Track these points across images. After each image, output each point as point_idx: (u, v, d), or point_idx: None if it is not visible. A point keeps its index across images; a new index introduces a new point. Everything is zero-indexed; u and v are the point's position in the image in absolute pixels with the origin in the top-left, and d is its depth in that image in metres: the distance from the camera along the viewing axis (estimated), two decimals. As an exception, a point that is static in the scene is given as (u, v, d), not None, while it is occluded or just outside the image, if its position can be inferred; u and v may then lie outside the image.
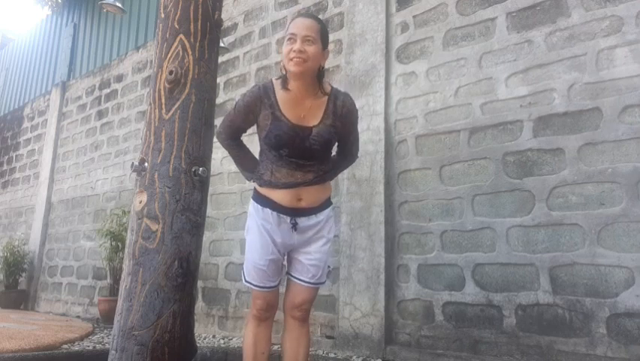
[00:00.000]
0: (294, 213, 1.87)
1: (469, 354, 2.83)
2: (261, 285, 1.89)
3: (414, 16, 3.54)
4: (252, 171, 2.00)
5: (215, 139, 2.21)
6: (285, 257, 1.96)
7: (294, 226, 1.87)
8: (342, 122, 1.92)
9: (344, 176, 3.57)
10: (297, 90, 1.86)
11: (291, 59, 1.79)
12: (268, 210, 1.87)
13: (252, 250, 1.88)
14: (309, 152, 1.86)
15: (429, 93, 3.34)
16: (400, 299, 3.22)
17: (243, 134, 2.10)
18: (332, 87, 1.95)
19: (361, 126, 3.52)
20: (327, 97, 1.89)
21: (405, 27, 3.58)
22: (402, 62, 3.54)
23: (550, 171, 2.76)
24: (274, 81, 1.91)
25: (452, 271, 3.02)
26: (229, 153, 2.11)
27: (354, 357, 3.14)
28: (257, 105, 1.89)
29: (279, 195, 1.86)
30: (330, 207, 1.97)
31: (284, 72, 1.88)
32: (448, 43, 3.32)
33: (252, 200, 1.96)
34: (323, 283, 1.95)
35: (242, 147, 2.09)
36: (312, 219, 1.89)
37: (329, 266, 1.98)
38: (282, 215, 1.87)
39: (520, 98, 2.93)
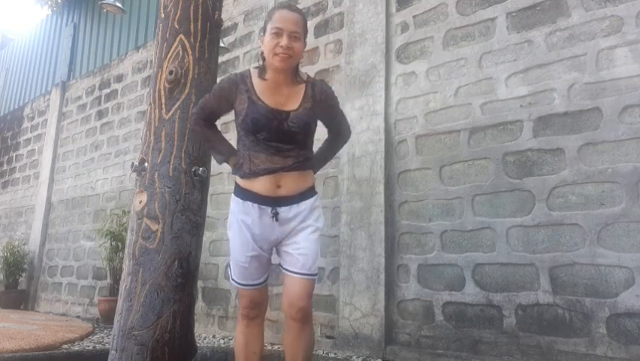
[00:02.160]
0: (274, 202, 1.82)
1: (469, 354, 2.83)
2: (244, 282, 1.87)
3: (414, 16, 3.54)
4: (225, 153, 1.96)
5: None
6: (275, 254, 1.93)
7: (275, 216, 1.82)
8: (322, 107, 1.92)
9: (344, 176, 3.57)
10: (275, 80, 1.87)
11: (277, 54, 1.79)
12: (249, 203, 1.83)
13: (233, 247, 1.87)
14: (288, 135, 1.83)
15: (429, 93, 3.34)
16: (400, 299, 3.22)
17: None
18: (308, 76, 1.96)
19: (361, 126, 3.53)
20: (304, 84, 1.91)
21: (405, 27, 3.58)
22: (402, 62, 3.54)
23: (550, 171, 2.76)
24: (252, 70, 1.92)
25: (452, 271, 3.02)
26: (200, 134, 2.04)
27: (354, 357, 3.14)
28: (232, 91, 1.89)
29: (259, 184, 1.82)
30: (314, 197, 1.90)
31: (261, 62, 1.89)
32: (448, 43, 3.32)
33: (232, 195, 1.91)
34: (313, 276, 1.84)
35: (213, 128, 2.03)
36: (293, 210, 1.83)
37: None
38: (262, 206, 1.83)
39: (520, 98, 2.93)
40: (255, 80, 1.89)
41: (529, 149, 2.85)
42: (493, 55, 3.09)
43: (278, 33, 1.79)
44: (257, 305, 1.91)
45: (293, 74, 1.89)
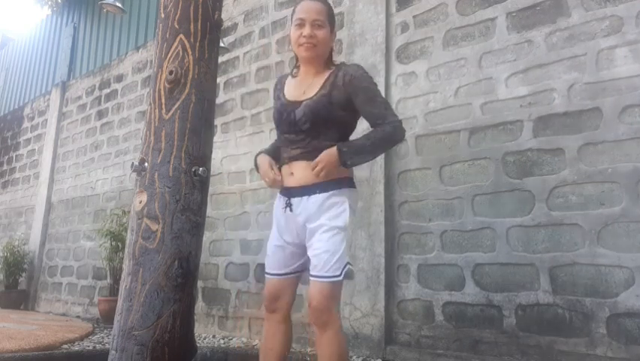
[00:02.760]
0: (289, 193, 1.84)
1: (469, 354, 2.83)
2: (267, 270, 1.92)
3: (414, 16, 3.54)
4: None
5: (215, 139, 2.22)
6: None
7: (289, 207, 1.81)
8: (345, 91, 1.78)
9: (344, 176, 3.57)
10: (305, 73, 1.90)
11: (301, 45, 1.80)
12: (279, 195, 1.93)
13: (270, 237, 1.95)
14: (296, 125, 1.81)
15: (429, 93, 3.34)
16: (400, 299, 3.22)
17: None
18: (342, 63, 1.92)
19: (361, 126, 3.53)
20: (330, 71, 1.86)
21: (405, 27, 3.58)
22: (402, 62, 3.54)
23: (550, 171, 2.76)
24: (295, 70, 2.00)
25: (452, 271, 3.02)
26: None
27: (354, 357, 3.14)
28: (275, 92, 2.03)
29: (283, 176, 1.88)
30: (330, 192, 1.75)
31: (295, 58, 1.94)
32: (448, 43, 3.32)
33: None
34: (329, 278, 1.69)
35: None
36: (302, 203, 1.77)
37: (348, 263, 1.72)
38: (283, 197, 1.88)
39: (520, 98, 2.93)
40: (288, 78, 1.96)
41: (529, 149, 2.85)
42: (493, 55, 3.09)
43: (300, 24, 1.80)
44: (274, 297, 1.87)
45: (324, 63, 1.86)
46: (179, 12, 2.21)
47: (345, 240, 1.73)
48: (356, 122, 1.93)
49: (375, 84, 1.84)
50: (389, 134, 1.79)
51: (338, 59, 3.91)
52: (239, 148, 4.50)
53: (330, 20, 1.86)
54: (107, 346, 3.44)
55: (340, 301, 1.78)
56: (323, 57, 1.85)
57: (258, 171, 1.99)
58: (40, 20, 9.02)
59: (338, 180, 1.78)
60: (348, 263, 1.72)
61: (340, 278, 1.70)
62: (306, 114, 1.79)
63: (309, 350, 3.44)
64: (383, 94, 3.48)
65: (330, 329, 1.69)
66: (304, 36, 1.78)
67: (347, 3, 3.96)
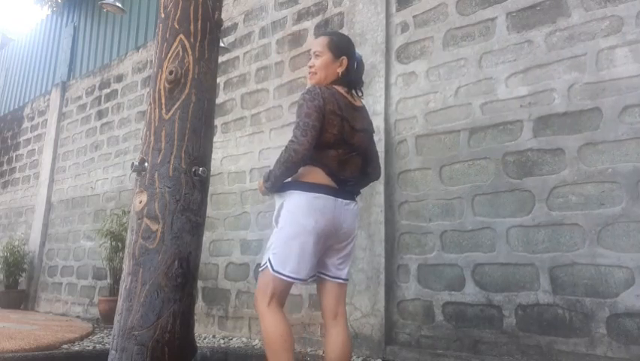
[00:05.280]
0: None
1: (469, 354, 2.83)
2: None
3: (414, 16, 3.54)
4: None
5: (215, 139, 2.21)
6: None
7: None
8: None
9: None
10: None
11: (308, 74, 2.04)
12: None
13: None
14: None
15: (429, 93, 3.34)
16: (400, 299, 3.22)
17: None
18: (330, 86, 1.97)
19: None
20: None
21: (405, 27, 3.58)
22: (402, 62, 3.54)
23: (550, 171, 2.76)
24: None
25: (452, 271, 3.02)
26: None
27: (354, 357, 3.14)
28: None
29: None
30: (279, 192, 1.89)
31: None
32: (448, 43, 3.32)
33: None
34: (261, 265, 1.86)
35: None
36: None
37: (269, 260, 1.81)
38: None
39: (520, 98, 2.93)
40: None
41: (529, 149, 2.85)
42: (493, 55, 3.09)
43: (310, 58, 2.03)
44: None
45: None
46: (179, 12, 2.21)
47: (278, 237, 1.82)
48: (325, 132, 1.83)
49: (303, 105, 1.81)
50: (280, 156, 1.83)
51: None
52: (239, 148, 4.50)
53: (331, 48, 1.99)
54: (107, 346, 3.44)
55: (271, 292, 1.78)
56: (327, 81, 1.96)
57: None
58: (40, 20, 9.02)
59: (287, 183, 1.88)
60: (269, 260, 1.81)
61: (261, 269, 1.83)
62: None
63: (309, 350, 3.44)
64: (383, 94, 3.50)
65: (259, 314, 1.80)
66: (308, 66, 2.02)
67: (347, 3, 3.96)
